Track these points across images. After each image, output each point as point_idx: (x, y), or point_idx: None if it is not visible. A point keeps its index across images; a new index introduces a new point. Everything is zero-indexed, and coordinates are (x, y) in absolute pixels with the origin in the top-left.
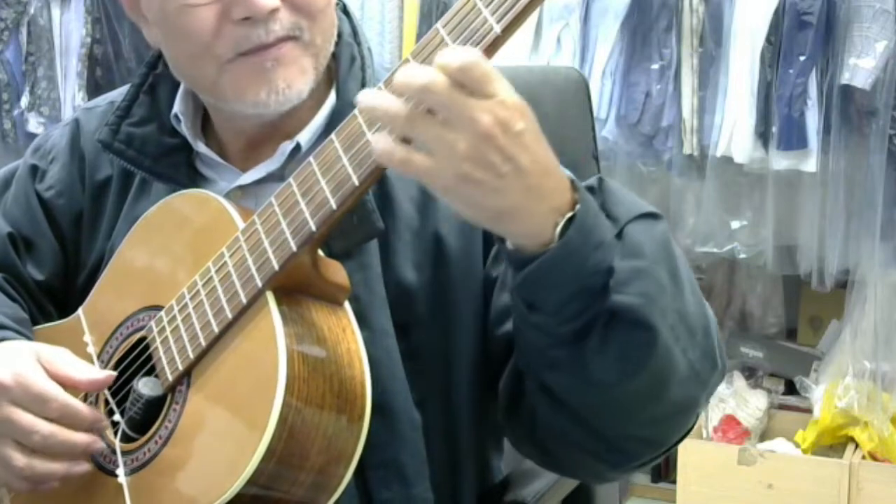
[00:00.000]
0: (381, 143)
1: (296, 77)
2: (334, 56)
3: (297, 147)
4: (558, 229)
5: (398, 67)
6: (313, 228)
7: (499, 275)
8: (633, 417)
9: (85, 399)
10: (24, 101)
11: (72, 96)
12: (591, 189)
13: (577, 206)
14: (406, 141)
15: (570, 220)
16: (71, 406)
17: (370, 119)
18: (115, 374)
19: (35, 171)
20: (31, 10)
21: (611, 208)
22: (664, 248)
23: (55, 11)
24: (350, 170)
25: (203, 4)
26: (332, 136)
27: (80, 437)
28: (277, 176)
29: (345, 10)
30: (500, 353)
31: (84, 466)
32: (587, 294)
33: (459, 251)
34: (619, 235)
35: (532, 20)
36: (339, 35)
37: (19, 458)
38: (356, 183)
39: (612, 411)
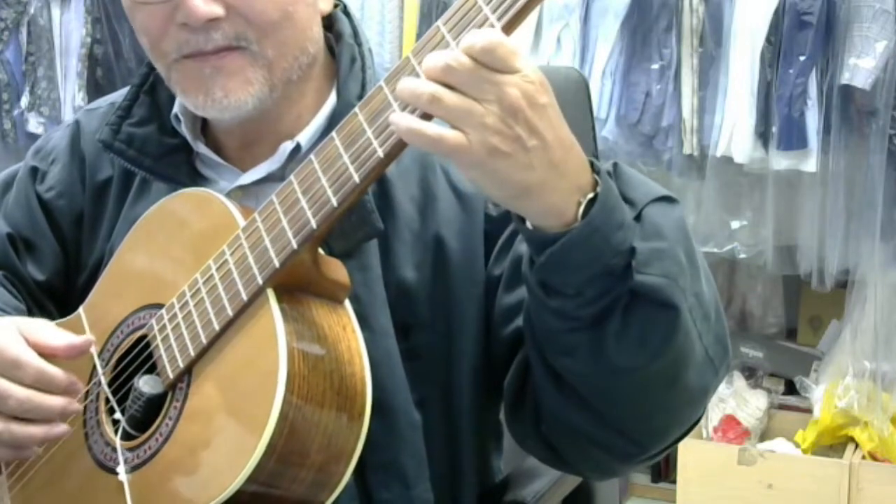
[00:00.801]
0: (407, 121)
1: (237, 87)
2: (335, 57)
3: (298, 147)
4: (581, 208)
5: (398, 66)
6: (314, 226)
7: (502, 273)
8: (647, 404)
9: (86, 397)
10: (24, 101)
11: (72, 96)
12: (607, 173)
13: (599, 186)
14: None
15: (592, 200)
16: (44, 371)
17: (400, 101)
18: (93, 338)
19: (35, 173)
20: (31, 10)
21: (627, 192)
22: (682, 230)
23: (55, 11)
24: (351, 167)
25: (151, 3)
26: (333, 133)
27: (55, 401)
28: (278, 176)
29: (345, 11)
30: (505, 353)
31: (61, 428)
32: (609, 275)
33: (460, 253)
34: (638, 218)
35: (532, 20)
36: (340, 36)
37: (5, 422)
38: (357, 180)
39: (626, 398)
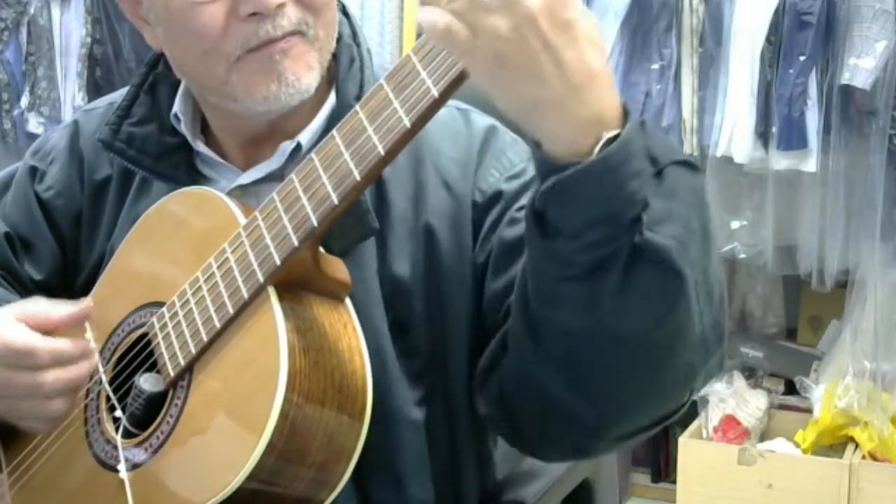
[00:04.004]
0: (429, 12)
1: (303, 71)
2: (334, 57)
3: (298, 147)
4: (600, 144)
5: (399, 65)
6: (315, 224)
7: (488, 259)
8: (626, 376)
9: (87, 395)
10: (24, 101)
11: (72, 96)
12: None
13: (626, 127)
14: None
15: (614, 139)
16: (57, 349)
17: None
18: (90, 301)
19: (34, 173)
20: (31, 10)
21: (652, 148)
22: (699, 199)
23: (55, 11)
24: (352, 165)
25: (210, 2)
26: (334, 131)
27: (80, 369)
28: (278, 176)
29: (344, 12)
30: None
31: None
32: (615, 222)
33: (450, 242)
34: (658, 175)
35: None
36: (339, 36)
37: (47, 405)
38: (358, 178)
39: (605, 365)
